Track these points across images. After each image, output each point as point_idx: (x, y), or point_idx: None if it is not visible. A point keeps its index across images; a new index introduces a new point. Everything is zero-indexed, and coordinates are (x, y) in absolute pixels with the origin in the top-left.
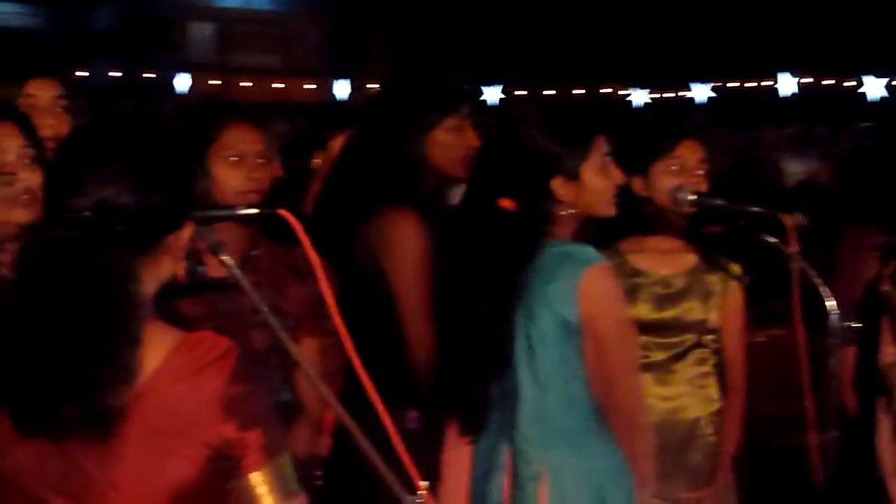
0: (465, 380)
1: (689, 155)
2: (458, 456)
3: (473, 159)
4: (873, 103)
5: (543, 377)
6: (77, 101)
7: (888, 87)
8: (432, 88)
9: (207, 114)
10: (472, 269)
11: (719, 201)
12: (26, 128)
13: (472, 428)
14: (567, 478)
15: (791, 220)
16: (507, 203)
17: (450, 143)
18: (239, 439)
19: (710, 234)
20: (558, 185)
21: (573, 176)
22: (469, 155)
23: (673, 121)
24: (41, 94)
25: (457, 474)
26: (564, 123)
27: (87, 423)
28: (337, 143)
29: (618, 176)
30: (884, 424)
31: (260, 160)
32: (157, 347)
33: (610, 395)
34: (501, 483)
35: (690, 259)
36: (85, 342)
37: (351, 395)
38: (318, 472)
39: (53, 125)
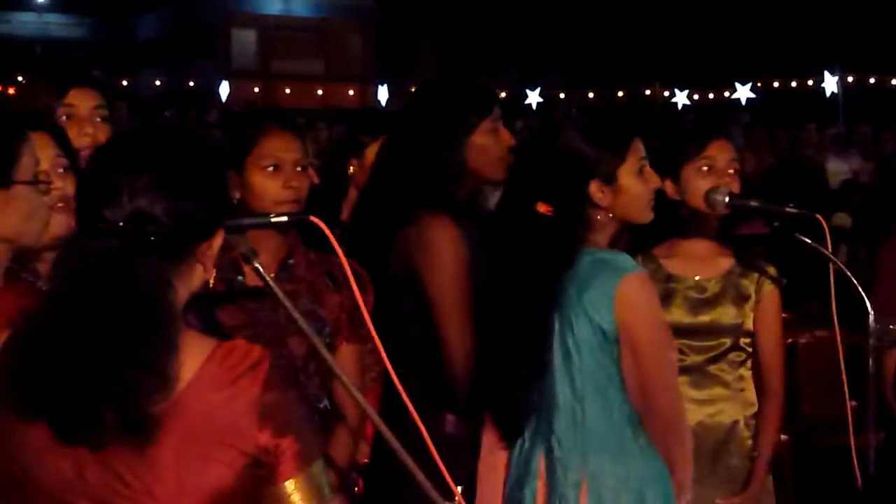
0: (504, 384)
1: (720, 155)
2: (493, 462)
3: (510, 162)
4: None
5: (580, 384)
6: (117, 110)
7: None
8: (467, 92)
9: (246, 121)
10: (510, 275)
11: (754, 202)
12: (59, 138)
13: (511, 433)
14: (606, 484)
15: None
16: (543, 208)
17: (487, 145)
18: (274, 446)
19: (751, 236)
20: (595, 189)
21: (610, 179)
22: (505, 156)
23: (703, 122)
24: (80, 103)
25: (492, 481)
26: (601, 126)
27: (127, 430)
28: (372, 150)
29: (655, 180)
30: None
31: (298, 169)
32: (192, 357)
33: (647, 401)
34: (536, 490)
35: (725, 262)
36: (123, 350)
37: (391, 400)
38: (358, 479)
39: (92, 134)
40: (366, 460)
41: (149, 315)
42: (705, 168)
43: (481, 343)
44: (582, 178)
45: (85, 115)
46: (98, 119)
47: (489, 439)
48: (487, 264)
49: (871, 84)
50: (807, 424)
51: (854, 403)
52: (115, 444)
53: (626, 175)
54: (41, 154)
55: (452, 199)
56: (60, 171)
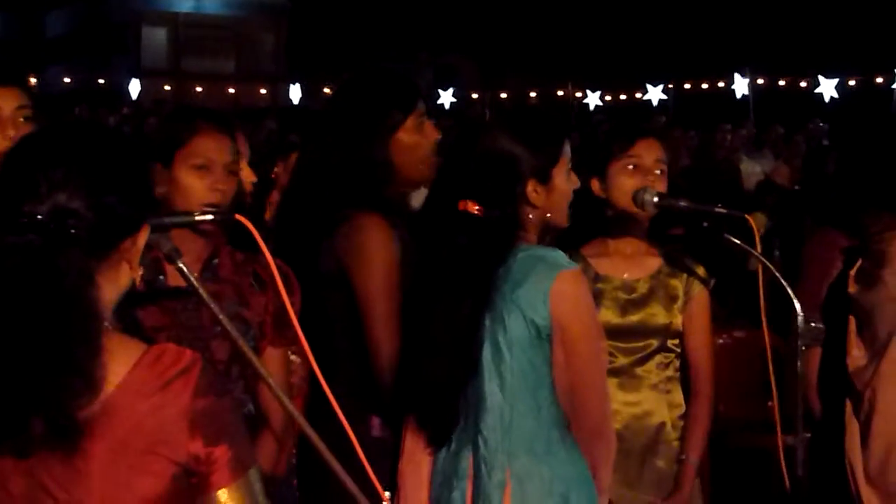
0: (434, 387)
1: (646, 154)
2: (417, 462)
3: (438, 160)
4: (828, 103)
5: (510, 383)
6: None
7: (838, 87)
8: (390, 88)
9: (180, 116)
10: (439, 274)
11: (683, 202)
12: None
13: (439, 438)
14: (531, 486)
15: (757, 222)
16: (471, 207)
17: (413, 142)
18: (206, 455)
19: (673, 236)
20: (531, 189)
21: (545, 179)
22: (433, 152)
23: (630, 121)
24: (3, 103)
25: (416, 482)
26: (536, 126)
27: (54, 436)
28: None
29: (576, 182)
30: (853, 429)
31: (227, 171)
32: (120, 361)
33: (576, 403)
34: (465, 491)
35: (654, 263)
36: (47, 351)
37: (317, 403)
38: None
39: (14, 137)
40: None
41: (72, 314)
42: (631, 167)
43: (409, 345)
44: (517, 177)
45: (7, 116)
46: (21, 119)
47: (413, 440)
48: (418, 264)
49: (782, 86)
50: (723, 425)
51: (770, 404)
52: (41, 454)
53: (559, 175)
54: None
55: (382, 199)
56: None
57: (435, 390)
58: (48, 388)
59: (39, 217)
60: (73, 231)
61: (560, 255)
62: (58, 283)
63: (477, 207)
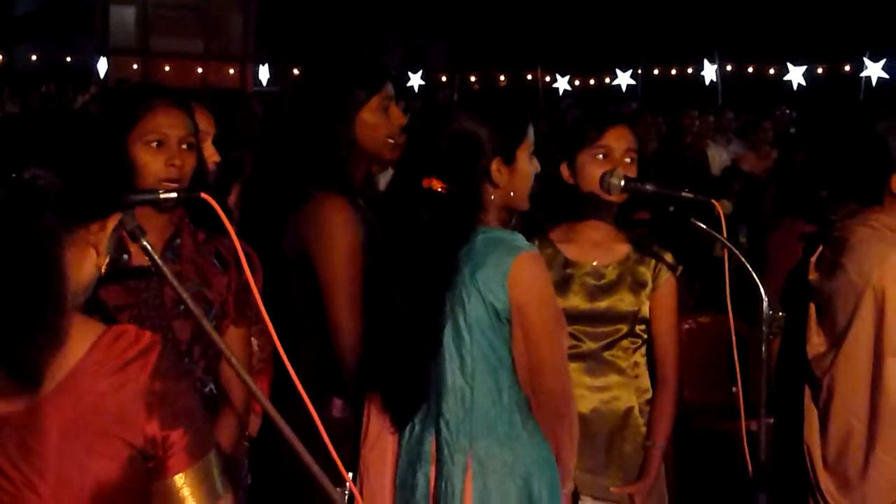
0: (396, 367)
1: (617, 144)
2: (381, 447)
3: (403, 140)
4: (796, 90)
5: (470, 365)
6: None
7: (806, 75)
8: (355, 68)
9: (132, 95)
10: (402, 253)
11: (650, 186)
12: None
13: (402, 418)
14: (492, 469)
15: (722, 208)
16: (437, 184)
17: (375, 123)
18: (162, 438)
19: (638, 221)
20: (495, 168)
21: (509, 160)
22: (396, 136)
23: (600, 108)
24: None
25: (379, 465)
26: (501, 106)
27: (15, 378)
28: None
29: (537, 167)
30: (811, 414)
31: (183, 146)
32: (78, 341)
33: (536, 384)
34: (429, 474)
35: (623, 249)
36: (11, 303)
37: (280, 384)
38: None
39: None
40: (253, 435)
41: (37, 267)
42: (601, 156)
43: (372, 325)
44: (481, 156)
45: None
46: None
47: (376, 423)
48: (380, 245)
49: (750, 73)
50: (688, 410)
51: (734, 389)
52: None
53: (522, 156)
54: None
55: (346, 179)
56: None
57: (398, 370)
58: (9, 337)
59: (12, 175)
60: (40, 187)
61: (519, 238)
62: (22, 236)
63: (441, 185)
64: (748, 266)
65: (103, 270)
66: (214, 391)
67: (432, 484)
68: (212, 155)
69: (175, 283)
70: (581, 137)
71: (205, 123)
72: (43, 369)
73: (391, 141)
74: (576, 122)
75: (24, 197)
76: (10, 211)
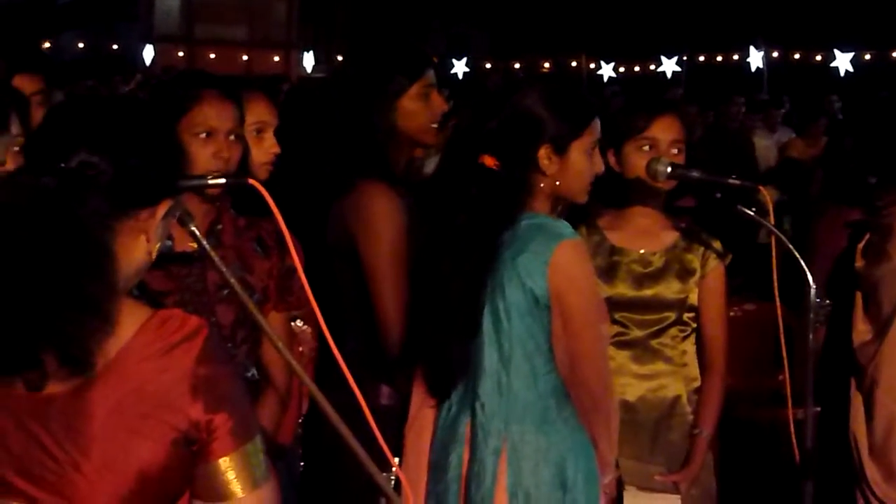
0: (436, 341)
1: (663, 135)
2: (419, 427)
3: (446, 125)
4: (843, 77)
5: (508, 350)
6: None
7: (853, 61)
8: (396, 56)
9: (182, 83)
10: (448, 233)
11: (696, 173)
12: (23, 116)
13: (440, 389)
14: (526, 454)
15: (770, 194)
16: (490, 161)
17: (416, 110)
18: (206, 422)
19: (682, 208)
20: (543, 154)
21: (560, 150)
22: (436, 123)
23: (646, 97)
24: (25, 88)
25: (418, 445)
26: (567, 97)
27: (67, 367)
28: None
29: (600, 166)
30: (857, 403)
31: (231, 137)
32: (126, 324)
33: (575, 371)
34: (462, 455)
35: (670, 236)
36: (61, 286)
37: (326, 371)
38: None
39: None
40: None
41: (83, 253)
42: (646, 147)
43: (416, 308)
44: (534, 139)
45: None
46: (37, 104)
47: (416, 401)
48: (425, 229)
49: (796, 59)
50: (732, 398)
51: (780, 377)
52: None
53: (577, 150)
54: None
55: (388, 167)
56: (16, 149)
57: (439, 342)
58: (61, 322)
59: (62, 165)
60: (90, 176)
61: (562, 225)
62: (68, 224)
63: (494, 163)
64: (795, 253)
65: (153, 256)
66: (256, 376)
67: (465, 466)
68: (272, 146)
69: (223, 267)
70: (627, 127)
71: (267, 114)
72: (94, 355)
73: (430, 129)
74: (622, 110)
75: (73, 185)
76: (59, 199)
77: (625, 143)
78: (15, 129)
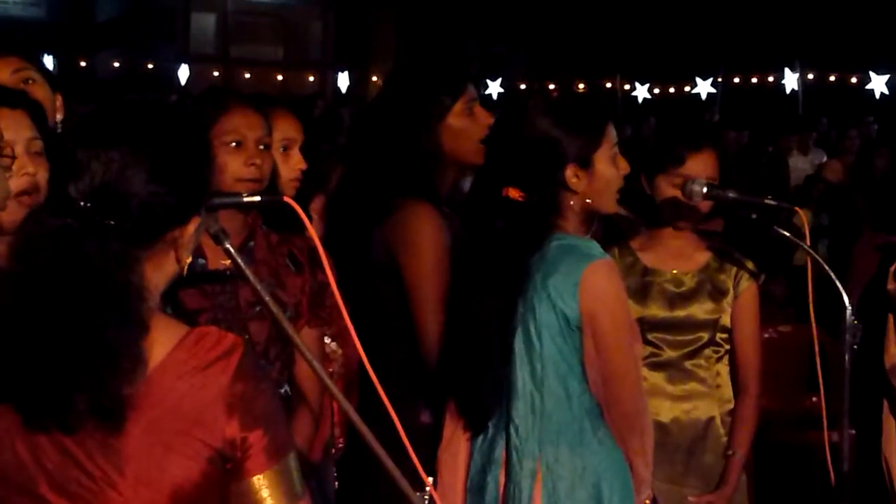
0: (471, 374)
1: (696, 171)
2: (455, 449)
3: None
4: (879, 99)
5: (540, 371)
6: (46, 71)
7: (889, 83)
8: (435, 76)
9: (208, 98)
10: (480, 261)
11: (732, 194)
12: (38, 118)
13: (477, 424)
14: (561, 475)
15: (805, 216)
16: (514, 193)
17: (463, 127)
18: (241, 440)
19: (710, 232)
20: (570, 174)
21: (585, 164)
22: (484, 137)
23: (681, 130)
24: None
25: (453, 467)
26: (575, 109)
27: (97, 414)
28: None
29: (625, 167)
30: (889, 426)
31: (261, 147)
32: (161, 341)
33: (608, 392)
34: (498, 478)
35: (703, 257)
36: (87, 332)
37: (368, 390)
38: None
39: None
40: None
41: (109, 296)
42: (679, 181)
43: (449, 332)
44: (557, 162)
45: (8, 82)
46: (22, 84)
47: (452, 427)
48: (461, 252)
49: (832, 81)
50: (766, 419)
51: (815, 399)
52: (80, 430)
53: (601, 160)
54: (14, 134)
55: (433, 187)
56: (34, 152)
57: (472, 377)
58: (92, 368)
59: (81, 203)
60: (114, 219)
61: (592, 246)
62: (90, 268)
63: (519, 194)
64: (832, 274)
65: (185, 270)
66: (289, 393)
67: (502, 488)
68: (298, 162)
69: (258, 284)
70: (662, 160)
71: (293, 131)
72: (124, 400)
73: (479, 143)
74: (657, 143)
75: (96, 227)
76: (82, 240)
77: (657, 176)
78: (30, 132)
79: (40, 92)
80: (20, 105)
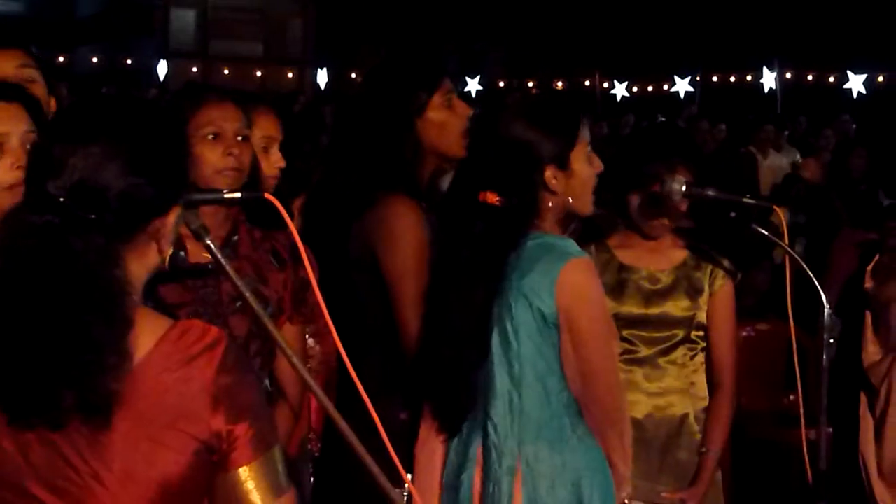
0: (446, 375)
1: (675, 189)
2: (431, 448)
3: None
4: (856, 99)
5: (518, 370)
6: (58, 91)
7: (866, 83)
8: (412, 70)
9: (185, 93)
10: (456, 260)
11: (711, 192)
12: (34, 111)
13: (452, 424)
14: (541, 473)
15: (783, 214)
16: (492, 198)
17: (444, 119)
18: (227, 432)
19: (688, 230)
20: (550, 175)
21: (563, 164)
22: (465, 128)
23: (656, 147)
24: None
25: (430, 467)
26: (549, 110)
27: (84, 410)
28: None
29: (599, 164)
30: (867, 424)
31: (239, 138)
32: (146, 335)
33: (587, 391)
34: (473, 476)
35: (679, 255)
36: (73, 329)
37: (348, 383)
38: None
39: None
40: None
41: (91, 294)
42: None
43: (426, 332)
44: (534, 164)
45: (10, 76)
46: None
47: (428, 426)
48: (439, 250)
49: (809, 80)
50: (744, 417)
51: (792, 397)
52: (65, 426)
53: (577, 159)
54: (10, 126)
55: (413, 181)
56: (30, 147)
57: (447, 378)
58: (78, 364)
59: (61, 199)
60: (91, 215)
61: (569, 244)
62: (74, 264)
63: (497, 198)
64: (810, 273)
65: (167, 262)
66: (270, 388)
67: (476, 487)
68: (278, 161)
69: (238, 280)
70: (633, 180)
71: (274, 129)
72: (111, 395)
73: (462, 134)
74: (630, 160)
75: (77, 222)
76: (64, 236)
77: (629, 194)
78: (26, 125)
79: (38, 91)
80: (17, 98)
